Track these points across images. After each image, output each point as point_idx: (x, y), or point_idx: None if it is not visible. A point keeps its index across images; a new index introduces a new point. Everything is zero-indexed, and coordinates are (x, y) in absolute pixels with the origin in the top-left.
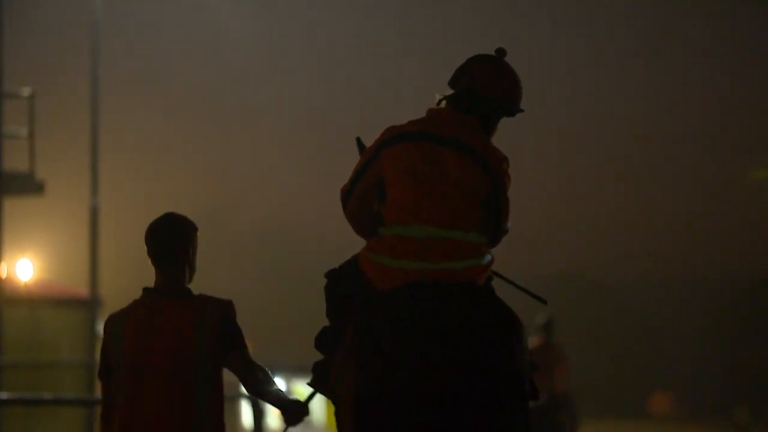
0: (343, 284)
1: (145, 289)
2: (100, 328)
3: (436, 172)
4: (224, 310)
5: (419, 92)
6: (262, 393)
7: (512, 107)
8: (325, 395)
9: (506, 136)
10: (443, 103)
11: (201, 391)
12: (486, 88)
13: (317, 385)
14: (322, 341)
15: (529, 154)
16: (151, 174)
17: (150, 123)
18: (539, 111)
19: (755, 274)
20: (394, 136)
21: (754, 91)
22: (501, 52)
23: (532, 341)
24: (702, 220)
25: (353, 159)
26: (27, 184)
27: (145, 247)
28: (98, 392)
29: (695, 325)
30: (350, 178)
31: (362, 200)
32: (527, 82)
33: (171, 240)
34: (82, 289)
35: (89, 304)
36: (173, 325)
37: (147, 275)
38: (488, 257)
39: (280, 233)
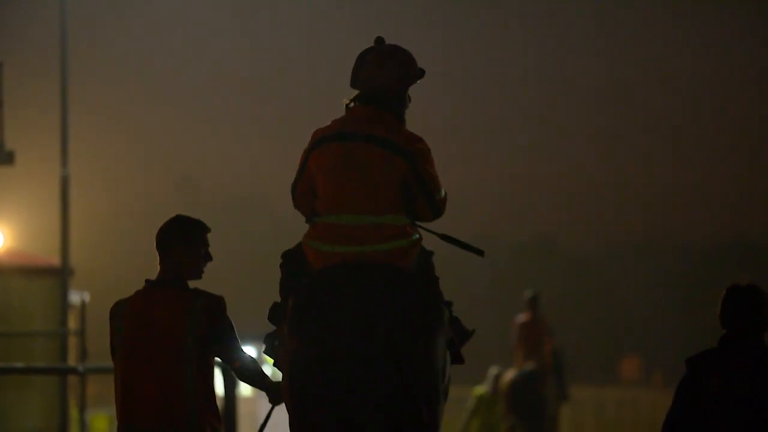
0: (293, 264)
1: (147, 281)
2: (72, 297)
3: (353, 166)
4: (214, 303)
5: None
6: (249, 379)
7: (408, 82)
8: (274, 364)
9: (479, 110)
10: (354, 104)
11: (189, 372)
12: (375, 83)
13: (269, 354)
14: (272, 314)
15: (500, 125)
16: (122, 144)
17: (120, 93)
18: (510, 83)
19: (724, 240)
20: (317, 140)
21: (727, 60)
22: (379, 41)
23: (520, 317)
24: (669, 189)
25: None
26: None
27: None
28: (71, 361)
29: (663, 291)
30: (294, 178)
31: (303, 197)
32: (494, 55)
33: (169, 239)
34: (53, 258)
35: (61, 273)
36: (165, 314)
37: (116, 244)
38: (415, 236)
39: (252, 201)
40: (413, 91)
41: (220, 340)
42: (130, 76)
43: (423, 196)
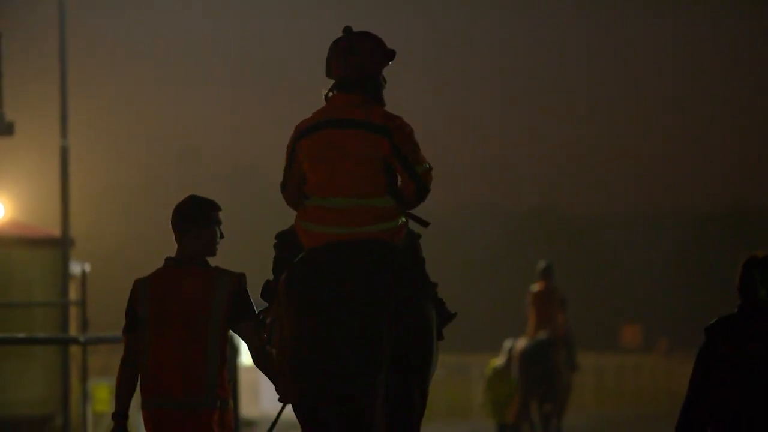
0: (287, 245)
1: (167, 259)
2: (73, 267)
3: (339, 152)
4: (237, 281)
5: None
6: (264, 366)
7: (380, 66)
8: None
9: (477, 78)
10: (332, 94)
11: (210, 348)
12: (348, 71)
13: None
14: (265, 292)
15: (500, 94)
16: (122, 115)
17: (120, 64)
18: (509, 51)
19: (725, 208)
20: (302, 131)
21: (716, 39)
22: (346, 30)
23: (534, 287)
24: (670, 157)
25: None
26: None
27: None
28: (72, 331)
29: (665, 258)
30: (283, 173)
31: (294, 191)
32: (492, 21)
33: (186, 219)
34: (53, 229)
35: (61, 244)
36: (190, 291)
37: (117, 215)
38: (402, 220)
39: (253, 173)
40: (405, 69)
41: (242, 318)
42: (130, 47)
43: (404, 169)
